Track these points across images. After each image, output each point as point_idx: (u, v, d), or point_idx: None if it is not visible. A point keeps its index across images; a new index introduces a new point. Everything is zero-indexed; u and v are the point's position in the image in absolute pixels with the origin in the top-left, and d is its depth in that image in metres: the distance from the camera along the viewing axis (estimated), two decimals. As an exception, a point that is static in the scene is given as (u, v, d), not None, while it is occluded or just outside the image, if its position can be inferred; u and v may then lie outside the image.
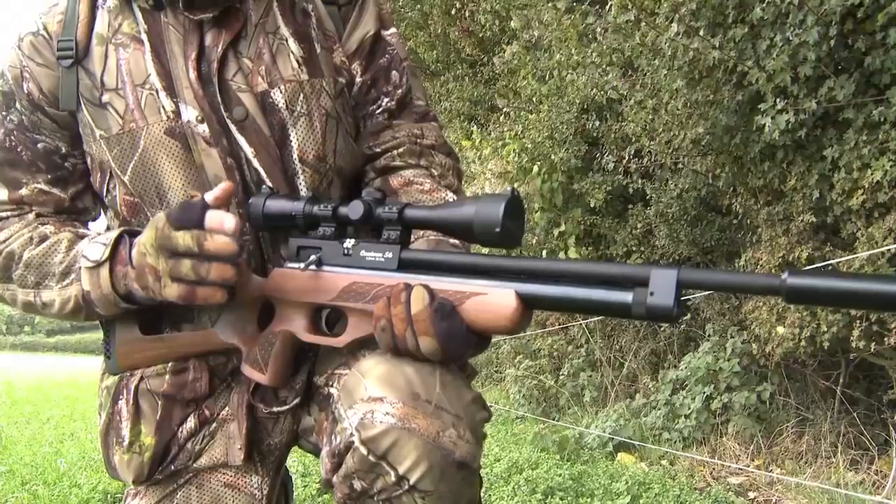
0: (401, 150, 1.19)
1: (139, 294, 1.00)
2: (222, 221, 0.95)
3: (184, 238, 0.94)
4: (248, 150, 1.08)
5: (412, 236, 1.04)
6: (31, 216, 1.13)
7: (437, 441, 0.83)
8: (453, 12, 7.14)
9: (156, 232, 0.96)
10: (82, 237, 1.09)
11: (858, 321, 2.87)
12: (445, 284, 0.88)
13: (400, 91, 1.20)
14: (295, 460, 3.20)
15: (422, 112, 1.23)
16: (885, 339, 2.80)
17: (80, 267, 1.03)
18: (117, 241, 1.02)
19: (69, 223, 1.15)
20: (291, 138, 1.10)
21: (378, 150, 1.20)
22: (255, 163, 1.08)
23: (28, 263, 1.07)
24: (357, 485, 0.87)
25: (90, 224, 1.22)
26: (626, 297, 0.78)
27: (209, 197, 0.98)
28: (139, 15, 1.09)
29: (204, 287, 0.95)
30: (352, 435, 0.86)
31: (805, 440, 3.43)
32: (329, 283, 0.98)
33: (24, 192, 1.13)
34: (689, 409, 3.81)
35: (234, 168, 1.07)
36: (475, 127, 7.03)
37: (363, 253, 0.97)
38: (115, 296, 1.02)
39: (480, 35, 6.79)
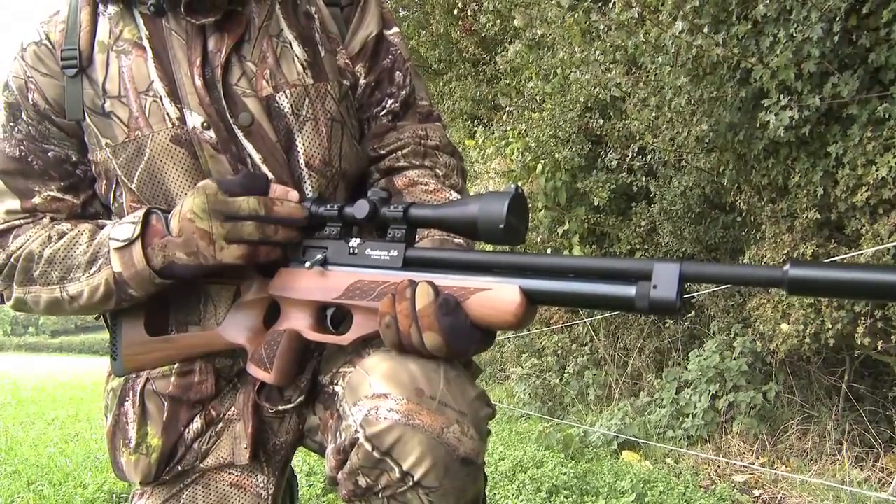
0: (405, 150, 1.18)
1: (182, 262, 1.00)
2: (288, 191, 1.03)
3: (248, 202, 0.98)
4: (256, 157, 1.07)
5: (417, 236, 1.04)
6: (45, 220, 1.12)
7: (441, 437, 0.83)
8: (455, 12, 7.14)
9: (207, 197, 0.97)
10: (103, 227, 1.08)
11: (863, 318, 2.87)
12: (450, 281, 0.88)
13: (404, 92, 1.20)
14: (300, 459, 3.20)
15: (426, 112, 1.23)
16: (891, 336, 2.80)
17: (109, 250, 1.02)
18: (147, 217, 1.02)
19: (85, 221, 1.14)
20: (297, 144, 1.10)
21: (383, 151, 1.19)
22: (263, 168, 1.07)
23: (50, 259, 1.06)
24: (362, 481, 0.87)
25: None
26: (630, 290, 0.78)
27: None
28: (140, 21, 1.08)
29: (266, 246, 1.00)
30: (356, 431, 0.86)
31: (810, 437, 3.42)
32: (334, 282, 0.98)
33: (36, 200, 1.12)
34: (695, 408, 3.80)
35: None
36: (478, 126, 7.04)
37: (368, 251, 0.97)
38: (151, 271, 1.00)
39: (483, 34, 6.78)
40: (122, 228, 1.02)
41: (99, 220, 1.13)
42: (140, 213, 1.02)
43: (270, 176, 1.07)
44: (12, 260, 1.08)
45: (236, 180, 1.01)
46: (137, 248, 1.00)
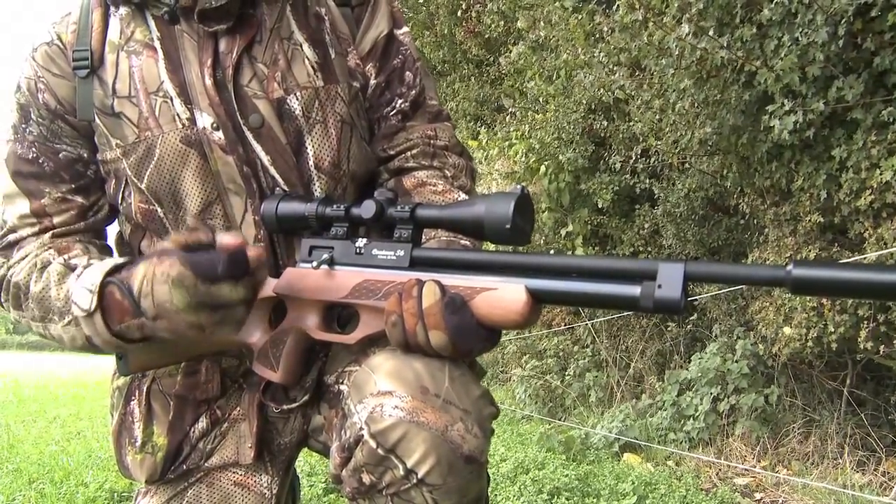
0: (414, 151, 1.19)
1: (166, 337, 0.96)
2: (259, 255, 0.95)
3: (237, 292, 0.91)
4: (265, 158, 1.07)
5: (424, 236, 1.04)
6: (46, 237, 1.11)
7: (445, 435, 0.84)
8: (459, 13, 7.15)
9: (187, 290, 0.88)
10: (73, 268, 1.03)
11: (866, 322, 2.86)
12: (456, 280, 0.89)
13: (413, 92, 1.20)
14: (301, 460, 3.21)
15: (435, 112, 1.23)
16: (894, 340, 2.79)
17: (76, 315, 0.97)
18: (102, 289, 0.95)
19: (73, 245, 1.11)
20: (307, 145, 1.10)
21: (392, 152, 1.20)
22: (272, 170, 1.08)
23: (32, 298, 1.04)
24: (366, 479, 0.88)
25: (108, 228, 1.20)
26: (635, 290, 0.79)
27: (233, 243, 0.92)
28: (152, 22, 1.09)
29: None
30: (361, 429, 0.86)
31: (811, 441, 3.42)
32: (341, 281, 0.98)
33: (45, 201, 1.12)
34: (697, 410, 3.80)
35: (251, 176, 1.07)
36: (482, 127, 7.04)
37: (375, 251, 0.97)
38: (120, 341, 0.97)
39: (486, 35, 6.79)
40: (82, 295, 0.96)
41: (71, 259, 1.06)
42: (96, 278, 0.95)
43: (281, 181, 1.08)
44: (9, 275, 1.08)
45: (214, 264, 0.89)
46: (99, 322, 0.95)
